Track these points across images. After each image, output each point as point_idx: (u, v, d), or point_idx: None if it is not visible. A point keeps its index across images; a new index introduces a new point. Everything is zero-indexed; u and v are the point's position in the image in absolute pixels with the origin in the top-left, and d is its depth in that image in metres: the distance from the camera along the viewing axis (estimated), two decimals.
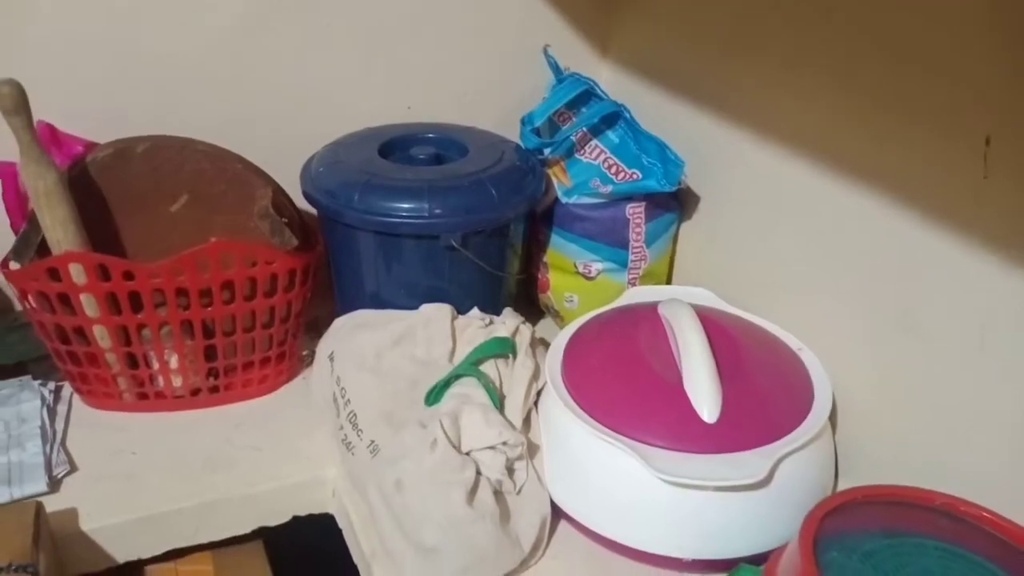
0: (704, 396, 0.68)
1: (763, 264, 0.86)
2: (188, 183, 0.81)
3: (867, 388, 0.74)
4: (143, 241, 0.83)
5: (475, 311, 0.85)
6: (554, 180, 0.93)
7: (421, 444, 0.68)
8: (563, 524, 0.74)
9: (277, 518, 0.80)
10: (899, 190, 0.69)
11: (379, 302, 0.86)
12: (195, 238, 0.79)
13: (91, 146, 0.82)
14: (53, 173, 0.73)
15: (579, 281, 0.94)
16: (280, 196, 0.83)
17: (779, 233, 0.83)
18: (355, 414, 0.76)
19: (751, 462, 0.65)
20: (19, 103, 0.70)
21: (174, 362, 0.84)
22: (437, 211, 0.79)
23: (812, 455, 0.69)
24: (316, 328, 0.91)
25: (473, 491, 0.66)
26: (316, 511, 0.81)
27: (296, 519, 0.81)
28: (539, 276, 0.98)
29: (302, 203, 0.87)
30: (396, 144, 0.90)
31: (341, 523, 0.80)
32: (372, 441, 0.74)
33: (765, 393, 0.72)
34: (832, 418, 0.74)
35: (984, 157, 0.62)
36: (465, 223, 0.80)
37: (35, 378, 0.88)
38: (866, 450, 0.75)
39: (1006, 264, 0.61)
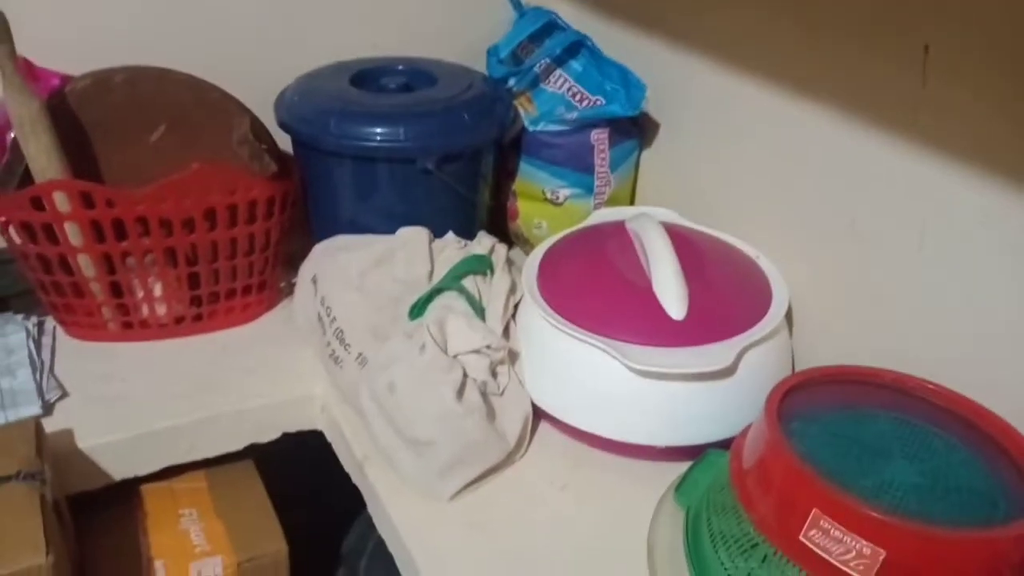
0: (672, 296, 0.73)
1: (720, 183, 0.91)
2: (167, 112, 0.83)
3: (818, 288, 0.80)
4: (123, 171, 0.84)
5: (451, 235, 0.88)
6: (520, 110, 0.97)
7: (410, 350, 0.72)
8: (544, 424, 0.79)
9: (267, 435, 0.84)
10: (844, 103, 0.74)
11: (356, 228, 0.89)
12: (175, 167, 0.80)
13: (68, 79, 0.83)
14: (36, 101, 0.74)
15: (547, 208, 0.98)
16: (257, 124, 0.86)
17: (734, 153, 0.88)
18: (341, 330, 0.79)
19: (717, 352, 0.70)
20: (3, 32, 0.71)
21: (158, 290, 0.86)
22: (413, 135, 0.82)
23: (772, 347, 0.75)
24: (293, 263, 0.93)
25: (461, 390, 0.71)
26: (305, 427, 0.85)
27: (285, 437, 0.85)
28: (508, 205, 1.02)
29: (276, 137, 0.89)
30: (367, 75, 0.93)
31: (331, 436, 0.83)
32: (360, 353, 0.77)
33: (727, 293, 0.77)
34: (788, 316, 0.80)
35: (923, 65, 0.67)
36: (440, 146, 0.83)
37: (17, 313, 0.89)
38: (819, 344, 0.81)
39: (944, 169, 0.67)
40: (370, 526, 1.01)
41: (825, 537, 0.54)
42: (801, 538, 0.55)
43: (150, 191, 0.79)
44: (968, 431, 0.62)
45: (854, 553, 0.53)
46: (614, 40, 0.99)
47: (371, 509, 0.76)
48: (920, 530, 0.51)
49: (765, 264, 0.83)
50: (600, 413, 0.74)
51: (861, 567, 0.52)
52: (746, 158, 0.87)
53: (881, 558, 0.52)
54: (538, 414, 0.78)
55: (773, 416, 0.61)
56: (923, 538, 0.51)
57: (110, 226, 0.80)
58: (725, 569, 0.60)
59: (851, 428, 0.62)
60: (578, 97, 0.94)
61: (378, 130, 0.82)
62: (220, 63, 0.88)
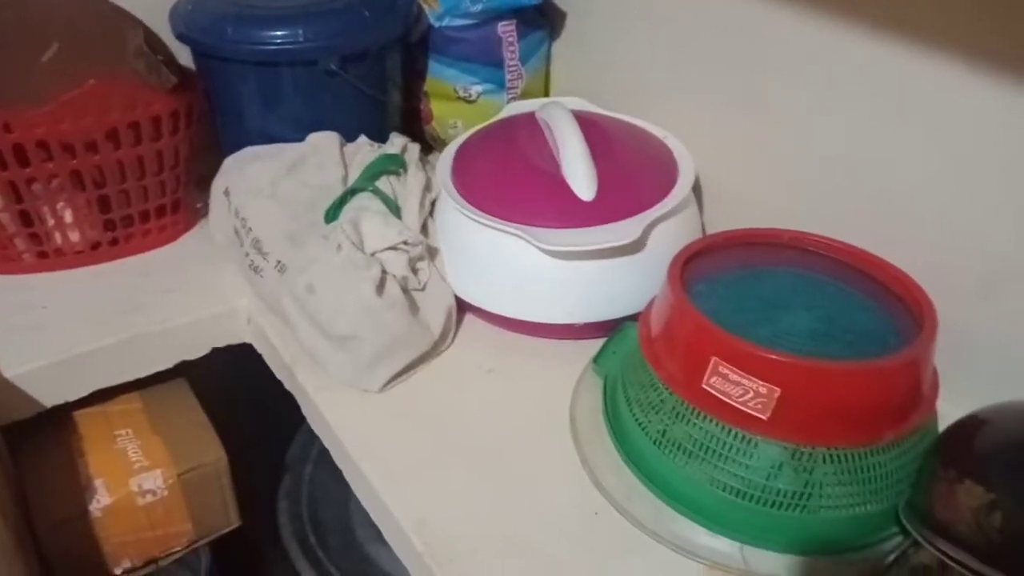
0: (580, 178, 0.74)
1: (629, 69, 0.92)
2: (57, 31, 0.80)
3: (726, 161, 0.82)
4: (18, 94, 0.81)
5: (363, 138, 0.88)
6: (425, 7, 0.95)
7: (327, 251, 0.73)
8: (468, 316, 0.81)
9: (196, 351, 0.84)
10: None
11: (266, 139, 0.88)
12: (72, 87, 0.78)
13: None
14: None
15: (461, 106, 0.98)
16: (153, 37, 0.83)
17: (642, 38, 0.89)
18: (258, 240, 0.79)
19: (625, 228, 0.72)
20: None
21: (69, 216, 0.85)
22: (313, 35, 0.81)
23: (679, 220, 0.77)
24: (205, 184, 0.92)
25: (381, 285, 0.72)
26: (234, 341, 0.86)
27: (224, 354, 0.85)
28: (422, 108, 1.01)
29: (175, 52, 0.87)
30: None
31: (259, 347, 0.84)
32: (279, 261, 0.78)
33: (635, 172, 0.79)
34: (697, 190, 0.82)
35: None
36: (342, 45, 0.82)
37: None
38: (727, 213, 0.83)
39: (841, 35, 0.69)
40: (313, 435, 1.03)
41: (725, 382, 0.57)
42: (704, 386, 0.58)
43: (47, 112, 0.77)
44: (863, 280, 0.66)
45: (752, 394, 0.56)
46: None
47: (305, 411, 0.77)
48: (810, 365, 0.55)
49: (673, 143, 0.84)
50: (520, 298, 0.76)
51: (759, 406, 0.56)
52: (654, 43, 0.88)
53: (776, 395, 0.55)
54: (462, 306, 0.80)
55: (676, 279, 0.63)
56: (813, 372, 0.55)
57: (11, 152, 0.78)
58: (640, 426, 0.63)
59: (751, 286, 0.65)
60: None
61: (278, 33, 0.81)
62: None
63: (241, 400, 0.94)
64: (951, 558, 0.47)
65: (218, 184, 0.87)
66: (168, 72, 0.80)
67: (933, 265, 0.64)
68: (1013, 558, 0.44)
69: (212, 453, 0.79)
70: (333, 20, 0.83)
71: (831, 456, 0.56)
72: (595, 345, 0.74)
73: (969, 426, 0.52)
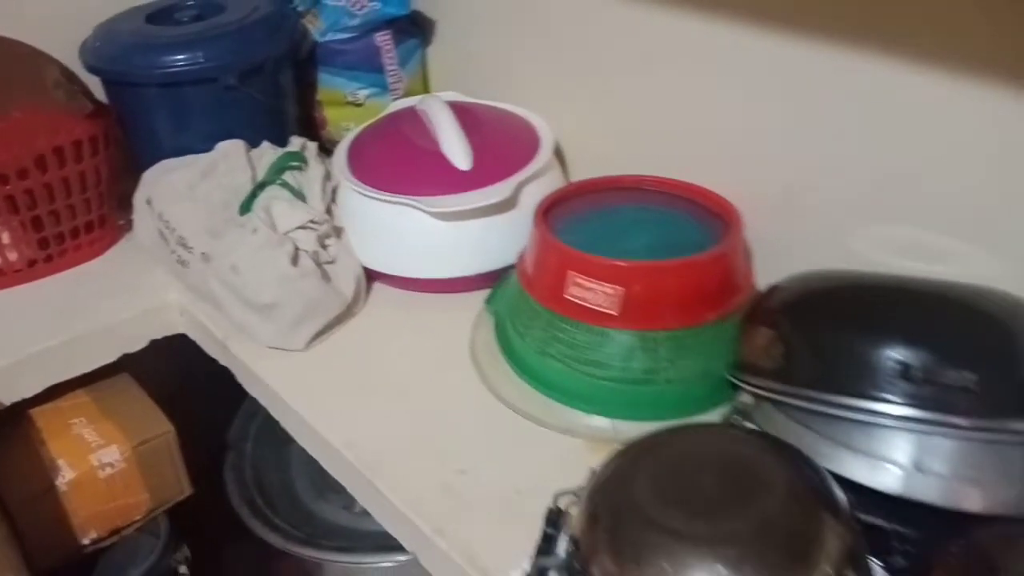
0: (457, 151, 0.88)
1: (492, 63, 1.06)
2: None
3: (578, 127, 0.97)
4: None
5: (266, 143, 1.00)
6: (309, 26, 1.08)
7: (245, 235, 0.85)
8: (376, 284, 0.93)
9: (136, 344, 0.94)
10: None
11: (177, 153, 0.98)
12: None
13: None
14: None
15: (351, 110, 1.11)
16: (67, 72, 0.94)
17: (503, 36, 1.03)
18: (183, 237, 0.90)
19: (498, 189, 0.86)
20: None
21: (6, 238, 0.94)
22: (212, 55, 0.93)
23: (545, 180, 0.91)
24: (126, 204, 1.01)
25: (296, 259, 0.84)
26: (169, 332, 0.96)
27: (164, 350, 0.95)
28: (316, 115, 1.14)
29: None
30: (160, 13, 1.02)
31: (193, 334, 0.95)
32: (203, 252, 0.88)
33: (504, 145, 0.93)
34: (560, 155, 0.97)
35: None
36: (238, 62, 0.94)
37: None
38: (587, 171, 0.97)
39: (650, 14, 0.84)
40: (250, 415, 1.14)
41: (581, 290, 0.71)
42: (565, 296, 0.72)
43: None
44: (690, 205, 0.81)
45: (602, 296, 0.70)
46: None
47: (242, 379, 0.88)
48: (643, 265, 0.70)
49: (535, 119, 0.98)
50: (418, 259, 0.89)
51: (608, 303, 0.70)
52: (512, 39, 1.02)
53: (621, 294, 0.69)
54: (370, 275, 0.92)
55: (540, 220, 0.78)
56: (646, 271, 0.70)
57: None
58: (524, 341, 0.77)
59: (600, 221, 0.80)
60: (357, 6, 1.06)
61: (179, 56, 0.92)
62: (18, 24, 0.95)
63: (181, 391, 1.04)
64: (753, 385, 0.62)
65: (140, 196, 0.97)
66: (85, 99, 0.91)
67: (743, 185, 0.79)
68: (792, 373, 0.59)
69: (161, 427, 0.89)
70: (228, 41, 0.94)
71: (670, 337, 0.70)
72: (486, 293, 0.88)
73: (766, 293, 0.68)
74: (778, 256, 0.77)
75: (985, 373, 0.53)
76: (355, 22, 1.05)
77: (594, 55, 0.93)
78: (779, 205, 0.80)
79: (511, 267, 0.87)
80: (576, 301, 0.72)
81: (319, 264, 0.87)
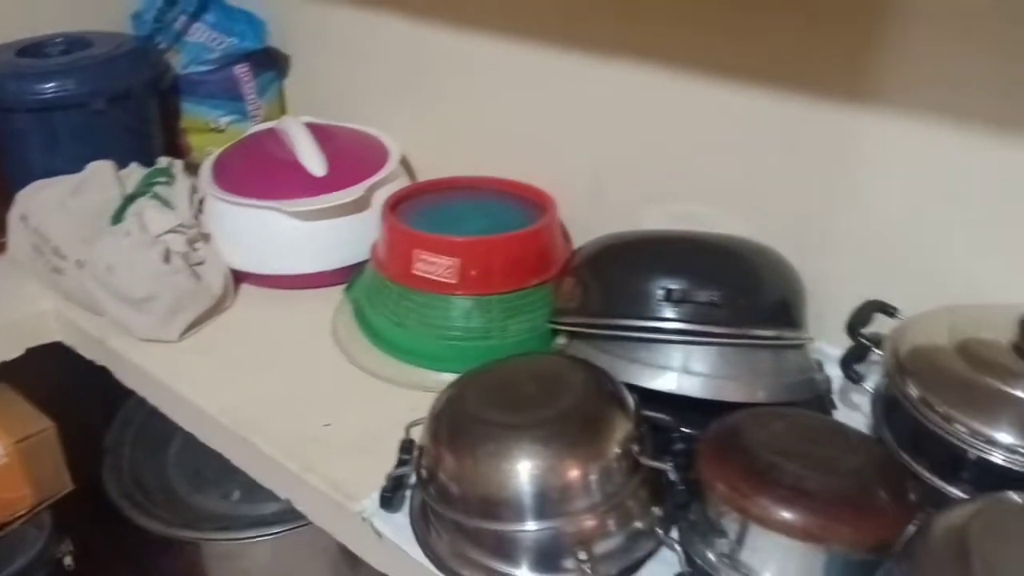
0: (312, 160, 1.00)
1: (343, 91, 1.20)
2: None
3: (422, 142, 1.12)
4: None
5: (134, 164, 1.08)
6: (172, 61, 1.18)
7: (118, 239, 0.93)
8: (245, 286, 1.03)
9: (12, 351, 0.99)
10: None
11: (50, 175, 1.06)
12: None
13: None
14: None
15: (214, 136, 1.21)
16: None
17: (351, 67, 1.17)
18: (57, 247, 0.97)
19: (351, 192, 0.98)
20: None
21: None
22: (81, 82, 1.02)
23: (394, 186, 1.04)
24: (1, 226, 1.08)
25: (167, 258, 0.93)
26: (45, 340, 1.02)
27: (40, 362, 1.01)
28: (181, 142, 1.23)
29: None
30: (30, 49, 1.09)
31: (69, 340, 1.01)
32: (77, 260, 0.96)
33: (356, 156, 1.05)
34: (407, 164, 1.11)
35: None
36: (106, 88, 1.04)
37: None
38: (432, 175, 1.12)
39: (477, 42, 1.00)
40: (127, 422, 1.19)
41: (425, 264, 0.84)
42: (412, 271, 0.85)
43: None
44: (516, 199, 0.96)
45: (443, 267, 0.83)
46: None
47: (121, 375, 0.95)
48: (475, 240, 0.84)
49: (383, 136, 1.12)
50: (282, 258, 1.00)
51: (449, 273, 0.83)
52: (360, 68, 1.16)
53: (459, 264, 0.83)
54: (239, 278, 1.02)
55: (388, 211, 0.91)
56: (477, 244, 0.84)
57: None
58: (380, 315, 0.89)
59: (441, 211, 0.94)
60: (216, 41, 1.17)
61: (51, 84, 1.01)
62: None
63: (59, 400, 1.09)
64: (562, 324, 0.76)
65: (14, 214, 1.03)
66: None
67: (558, 179, 0.95)
68: (588, 308, 0.74)
69: (42, 424, 0.95)
70: (96, 70, 1.04)
71: (501, 300, 0.84)
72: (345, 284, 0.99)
73: (572, 253, 0.83)
74: (589, 233, 0.92)
75: (730, 292, 0.70)
76: (214, 55, 1.16)
77: (429, 78, 1.08)
78: (587, 194, 0.97)
79: (367, 261, 0.99)
80: (422, 275, 0.84)
81: (189, 265, 0.96)
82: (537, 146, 1.01)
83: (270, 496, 0.83)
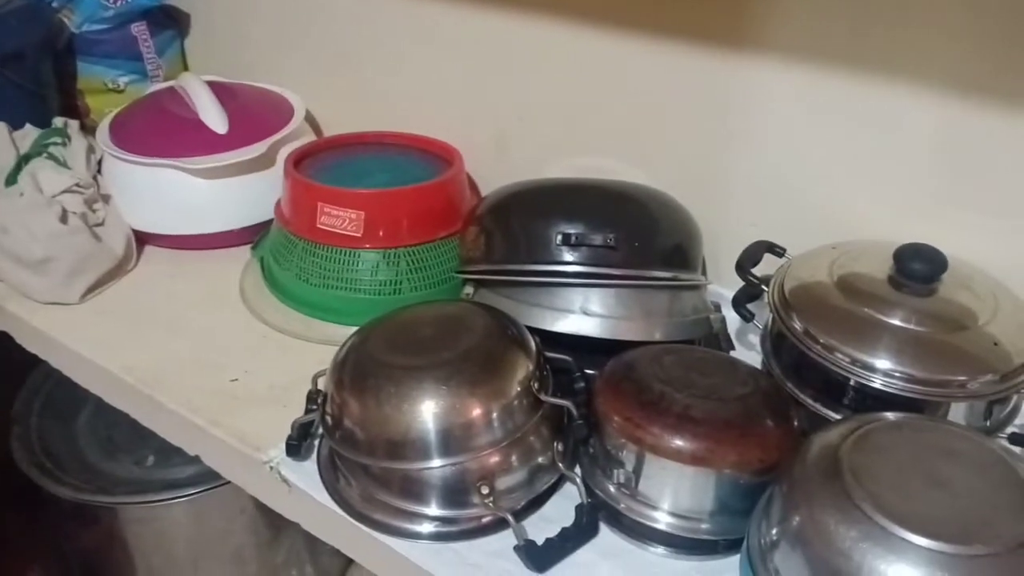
0: (213, 117, 0.98)
1: (246, 49, 1.18)
2: None
3: (329, 99, 1.11)
4: None
5: (28, 126, 1.05)
6: (65, 20, 1.14)
7: (12, 199, 0.90)
8: (148, 248, 1.01)
9: None
10: None
11: None
12: None
13: None
14: None
15: (112, 96, 1.17)
16: None
17: (251, 26, 1.15)
18: None
19: (254, 148, 0.97)
20: None
21: None
22: None
23: (299, 143, 1.03)
24: None
25: (65, 219, 0.90)
26: None
27: None
28: (79, 104, 1.19)
29: None
30: None
31: None
32: None
33: (259, 114, 1.04)
34: (312, 122, 1.10)
35: None
36: None
37: None
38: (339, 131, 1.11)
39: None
40: (34, 391, 1.17)
41: (330, 218, 0.84)
42: (317, 225, 0.85)
43: None
44: (422, 152, 0.97)
45: (347, 221, 0.84)
46: None
47: (21, 339, 0.93)
48: (379, 192, 0.84)
49: (289, 95, 1.10)
50: (185, 218, 0.98)
51: (354, 227, 0.84)
52: (265, 26, 1.14)
53: (363, 217, 0.83)
54: (142, 240, 1.00)
55: (290, 165, 0.90)
56: (382, 197, 0.84)
57: None
58: (285, 271, 0.88)
59: (345, 166, 0.94)
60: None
61: None
62: None
63: None
64: (468, 272, 0.78)
65: None
66: None
67: (465, 133, 0.96)
68: (491, 255, 0.76)
69: None
70: None
71: (408, 252, 0.85)
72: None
73: (477, 203, 0.84)
74: (496, 186, 0.94)
75: (625, 235, 0.72)
76: (109, 14, 1.13)
77: (337, 35, 1.07)
78: (493, 148, 0.98)
79: (272, 220, 0.98)
80: (327, 229, 0.84)
81: (89, 226, 0.94)
82: (443, 101, 1.01)
83: (185, 460, 0.83)
